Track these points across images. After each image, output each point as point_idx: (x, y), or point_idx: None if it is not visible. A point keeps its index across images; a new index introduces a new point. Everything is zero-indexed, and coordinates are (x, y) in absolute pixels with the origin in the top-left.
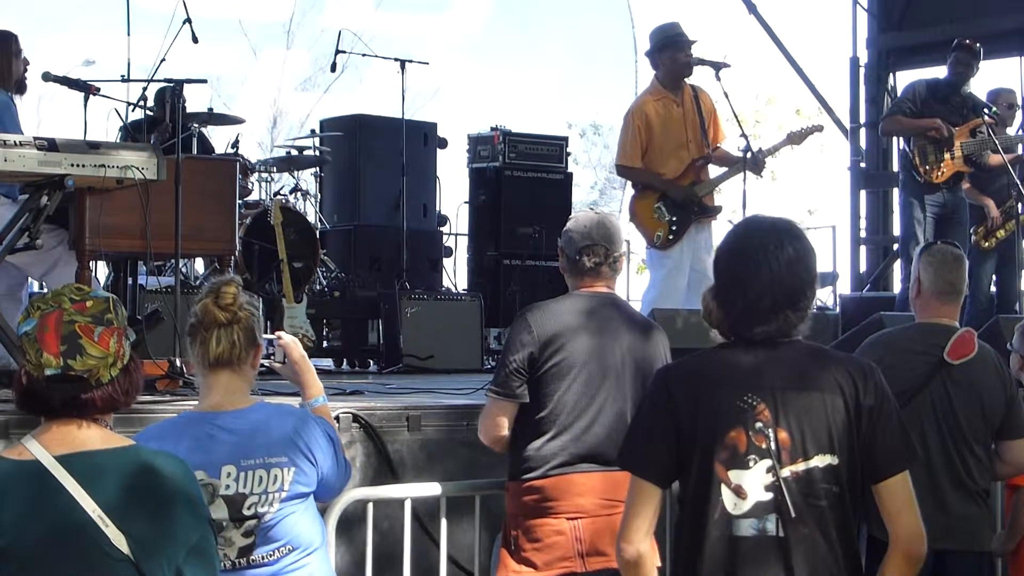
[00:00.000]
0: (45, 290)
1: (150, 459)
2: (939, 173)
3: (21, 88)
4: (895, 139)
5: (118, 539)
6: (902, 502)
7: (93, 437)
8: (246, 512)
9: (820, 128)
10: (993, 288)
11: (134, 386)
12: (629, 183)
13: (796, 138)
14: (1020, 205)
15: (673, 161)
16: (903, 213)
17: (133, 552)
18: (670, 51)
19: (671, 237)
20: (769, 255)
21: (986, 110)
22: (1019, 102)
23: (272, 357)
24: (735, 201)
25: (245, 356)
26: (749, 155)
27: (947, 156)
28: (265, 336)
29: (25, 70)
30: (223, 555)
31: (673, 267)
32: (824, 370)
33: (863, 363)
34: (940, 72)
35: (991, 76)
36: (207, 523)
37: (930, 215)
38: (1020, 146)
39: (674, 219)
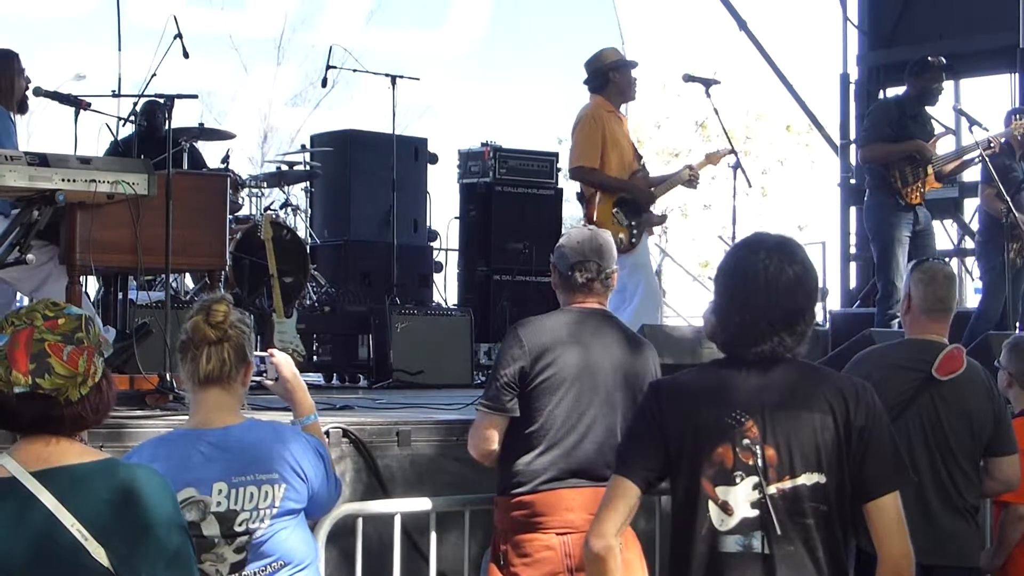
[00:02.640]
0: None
1: (126, 472)
2: (920, 193)
3: (23, 107)
4: None
5: (98, 553)
6: (891, 523)
7: (67, 452)
8: (237, 528)
9: (734, 151)
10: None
11: (104, 404)
12: (578, 188)
13: (714, 158)
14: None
15: (618, 173)
16: (882, 235)
17: (114, 565)
18: (624, 70)
19: (632, 240)
20: (769, 277)
21: (979, 126)
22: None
23: (264, 374)
24: (725, 217)
25: (235, 374)
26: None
27: (923, 175)
28: (257, 353)
29: (26, 88)
30: (215, 571)
31: (646, 274)
32: (815, 388)
33: (856, 382)
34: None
35: (981, 94)
36: (184, 532)
37: (908, 234)
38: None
39: (633, 223)
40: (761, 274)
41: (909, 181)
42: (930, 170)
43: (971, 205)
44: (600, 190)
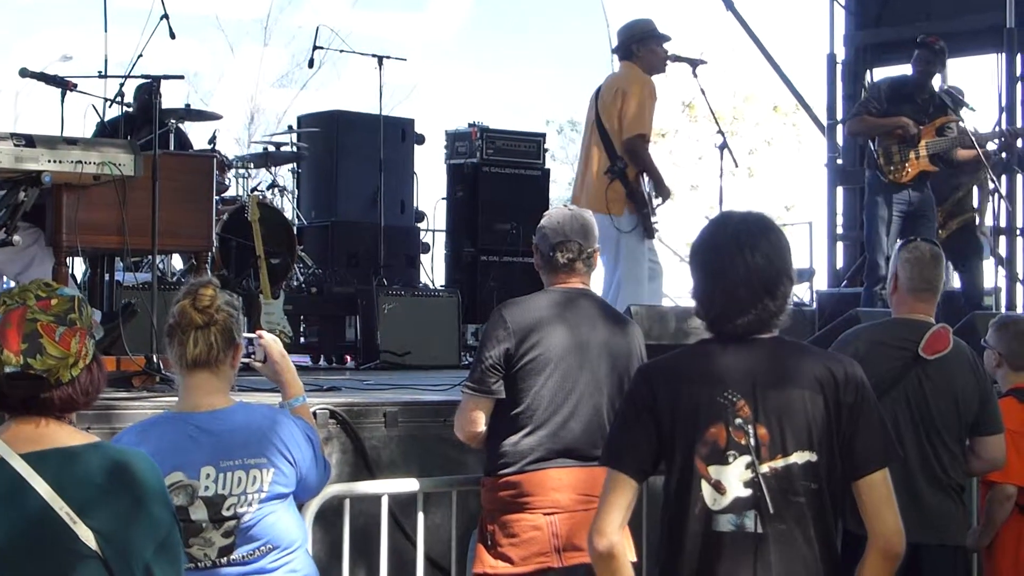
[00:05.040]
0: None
1: (115, 455)
2: (905, 173)
3: None
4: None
5: (86, 536)
6: (881, 499)
7: (57, 434)
8: (226, 513)
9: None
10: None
11: (95, 386)
12: (603, 160)
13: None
14: (996, 198)
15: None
16: (867, 212)
17: (101, 549)
18: (653, 43)
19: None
20: (743, 247)
21: (966, 107)
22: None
23: (252, 356)
24: (712, 198)
25: (223, 357)
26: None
27: (912, 155)
28: (245, 335)
29: None
30: (203, 555)
31: (642, 260)
32: (804, 366)
33: (843, 359)
34: (910, 70)
35: (967, 74)
36: (173, 518)
37: (897, 214)
38: (993, 141)
39: (645, 211)
40: (735, 246)
41: (894, 159)
42: (923, 151)
43: None
44: (642, 169)
